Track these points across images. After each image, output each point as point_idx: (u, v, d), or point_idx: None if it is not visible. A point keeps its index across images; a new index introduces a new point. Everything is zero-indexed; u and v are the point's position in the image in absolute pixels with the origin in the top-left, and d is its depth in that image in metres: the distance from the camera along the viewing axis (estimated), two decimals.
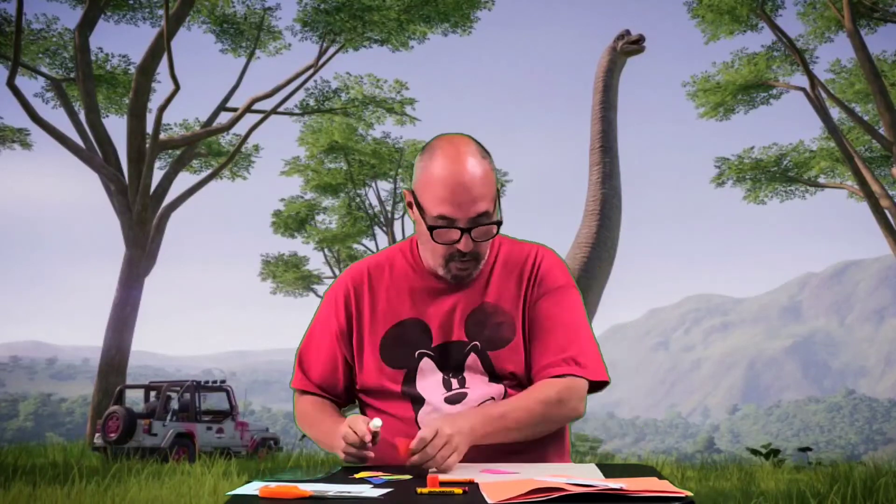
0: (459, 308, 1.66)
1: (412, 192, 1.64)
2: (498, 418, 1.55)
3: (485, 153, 1.62)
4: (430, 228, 1.59)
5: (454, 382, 1.64)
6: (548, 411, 1.59)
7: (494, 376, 1.64)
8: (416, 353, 1.66)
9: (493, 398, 1.62)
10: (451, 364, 1.65)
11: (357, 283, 1.73)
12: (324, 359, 1.75)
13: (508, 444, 1.59)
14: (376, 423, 1.49)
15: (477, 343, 1.65)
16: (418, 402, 1.65)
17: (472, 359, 1.64)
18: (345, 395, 1.77)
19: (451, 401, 1.63)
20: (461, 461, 1.51)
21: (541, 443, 1.65)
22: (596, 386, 1.69)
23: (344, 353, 1.73)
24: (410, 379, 1.66)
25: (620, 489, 1.21)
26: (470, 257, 1.62)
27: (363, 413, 1.75)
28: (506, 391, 1.63)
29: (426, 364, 1.66)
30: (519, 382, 1.65)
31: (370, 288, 1.72)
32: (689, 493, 1.21)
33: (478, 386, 1.64)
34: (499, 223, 1.61)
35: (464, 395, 1.63)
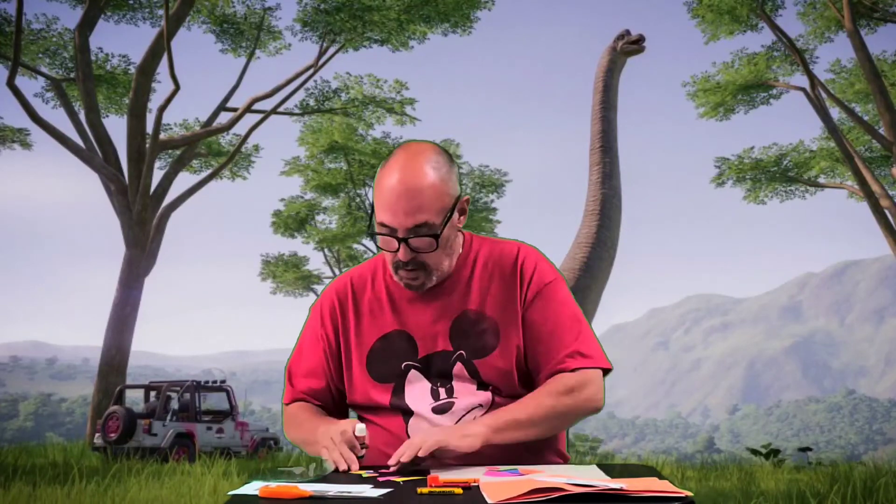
0: (442, 317, 1.65)
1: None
2: (509, 416, 1.55)
3: (443, 163, 1.59)
4: (373, 235, 1.60)
5: (442, 392, 1.63)
6: (559, 402, 1.57)
7: (481, 384, 1.63)
8: (403, 364, 1.65)
9: (480, 405, 1.62)
10: (437, 374, 1.64)
11: (342, 297, 1.72)
12: (313, 372, 1.73)
13: (508, 447, 1.58)
14: (361, 428, 1.49)
15: (462, 352, 1.63)
16: (407, 413, 1.64)
17: (459, 367, 1.63)
18: (334, 408, 1.75)
19: (438, 410, 1.62)
20: (465, 464, 1.50)
21: (537, 445, 1.64)
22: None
23: (332, 367, 1.72)
24: (399, 391, 1.65)
25: (620, 489, 1.21)
26: (415, 266, 1.60)
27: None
28: (493, 398, 1.62)
29: (413, 375, 1.65)
30: (507, 388, 1.64)
31: (354, 301, 1.71)
32: (690, 493, 1.21)
33: (465, 395, 1.63)
34: (436, 236, 1.57)
35: (451, 405, 1.62)
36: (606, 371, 1.67)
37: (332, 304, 1.73)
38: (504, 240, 1.74)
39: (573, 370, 1.61)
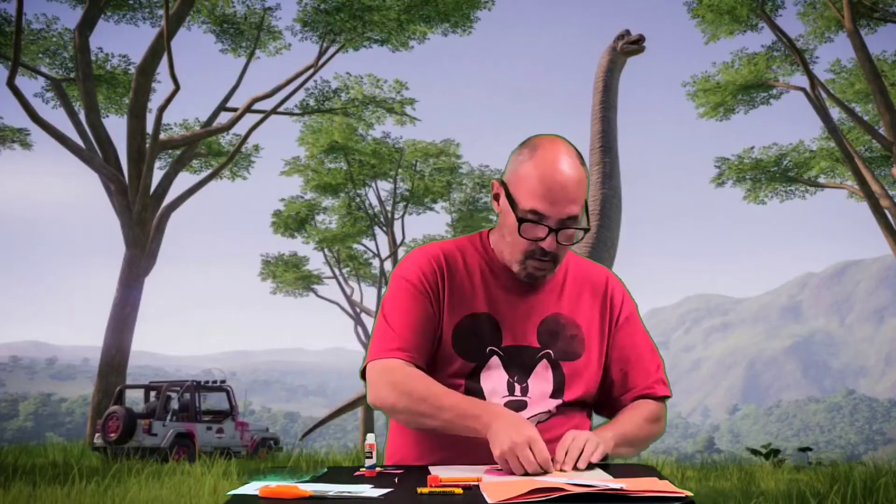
0: (533, 313, 1.66)
1: (503, 184, 1.64)
2: (622, 430, 1.60)
3: (582, 161, 1.63)
4: (520, 221, 1.59)
5: (517, 388, 1.63)
6: (650, 429, 1.67)
7: (558, 391, 1.64)
8: (488, 349, 1.64)
9: (548, 412, 1.63)
10: (518, 367, 1.63)
11: (439, 264, 1.67)
12: (417, 328, 1.62)
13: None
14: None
15: (550, 352, 1.65)
16: (480, 398, 1.62)
17: (543, 366, 1.64)
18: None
19: (511, 406, 1.61)
20: (463, 463, 1.51)
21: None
22: None
23: (431, 329, 1.63)
24: (476, 373, 1.63)
25: (620, 489, 1.21)
26: (550, 258, 1.62)
27: None
28: (558, 408, 1.64)
29: (494, 362, 1.64)
30: (584, 395, 1.67)
31: (449, 272, 1.67)
32: (689, 493, 1.22)
33: (538, 397, 1.63)
34: (586, 230, 1.62)
35: (524, 404, 1.62)
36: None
37: (432, 268, 1.66)
38: (590, 261, 1.79)
39: (659, 398, 1.70)
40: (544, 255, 1.61)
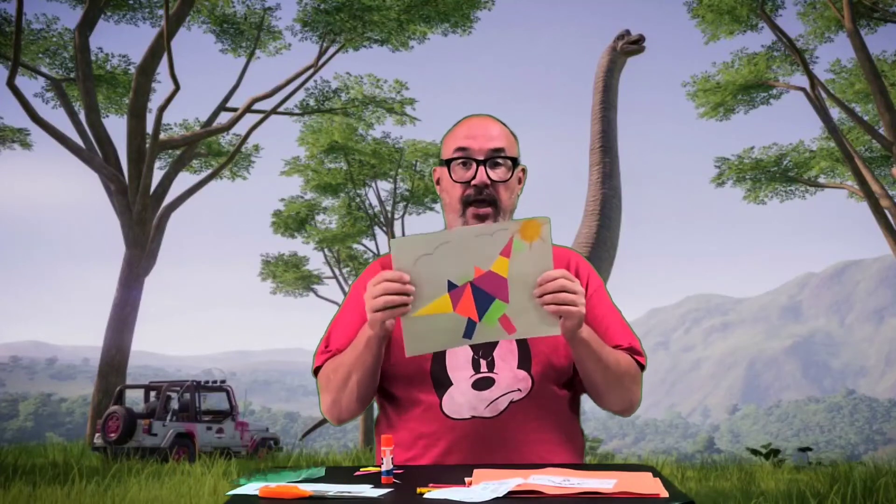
0: None
1: (439, 163, 1.70)
2: (596, 336, 1.55)
3: (508, 127, 1.71)
4: (448, 165, 1.64)
5: (483, 364, 1.62)
6: (626, 373, 1.60)
7: (524, 360, 1.62)
8: None
9: (519, 390, 1.61)
10: (483, 344, 1.62)
11: (388, 265, 1.68)
12: (350, 335, 1.64)
13: (540, 443, 1.59)
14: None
15: None
16: (443, 385, 1.62)
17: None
18: None
19: (478, 385, 1.61)
20: (473, 464, 1.49)
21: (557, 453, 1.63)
22: None
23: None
24: (440, 356, 1.63)
25: (597, 491, 1.21)
26: (486, 197, 1.63)
27: (383, 410, 1.72)
28: (533, 381, 1.61)
29: None
30: (554, 358, 1.63)
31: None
32: (666, 495, 1.19)
33: (505, 371, 1.62)
34: (514, 160, 1.65)
35: (491, 382, 1.61)
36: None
37: (378, 271, 1.65)
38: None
39: (636, 360, 1.64)
40: (479, 194, 1.63)
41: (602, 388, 1.59)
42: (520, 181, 1.70)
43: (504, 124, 1.69)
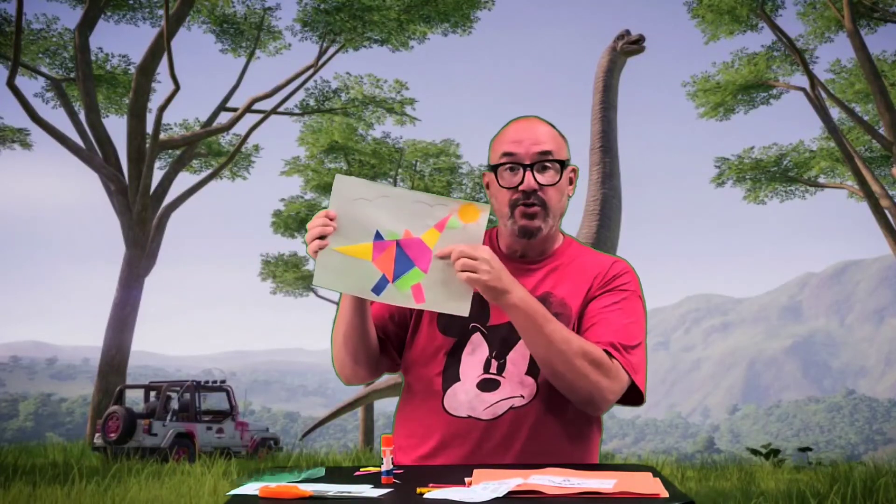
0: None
1: (488, 168, 1.69)
2: (542, 310, 1.51)
3: (556, 128, 1.70)
4: (496, 170, 1.63)
5: (494, 365, 1.62)
6: (583, 360, 1.50)
7: (534, 366, 1.61)
8: (471, 325, 1.64)
9: (521, 396, 1.61)
10: (500, 344, 1.63)
11: None
12: (375, 312, 1.69)
13: (534, 454, 1.57)
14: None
15: None
16: (451, 380, 1.63)
17: (523, 343, 1.61)
18: (384, 338, 1.71)
19: (482, 386, 1.61)
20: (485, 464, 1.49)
21: (570, 454, 1.63)
22: (631, 399, 1.64)
23: (397, 314, 1.70)
24: (458, 350, 1.64)
25: (597, 491, 1.21)
26: (535, 201, 1.62)
27: (401, 397, 1.74)
28: (538, 388, 1.61)
29: (477, 339, 1.65)
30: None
31: None
32: (666, 495, 1.20)
33: (513, 377, 1.62)
34: (562, 162, 1.64)
35: (497, 384, 1.61)
36: (639, 398, 1.64)
37: None
38: (611, 256, 1.77)
39: (610, 356, 1.54)
40: (528, 198, 1.62)
41: (550, 370, 1.52)
42: (571, 181, 1.69)
43: (552, 125, 1.68)
